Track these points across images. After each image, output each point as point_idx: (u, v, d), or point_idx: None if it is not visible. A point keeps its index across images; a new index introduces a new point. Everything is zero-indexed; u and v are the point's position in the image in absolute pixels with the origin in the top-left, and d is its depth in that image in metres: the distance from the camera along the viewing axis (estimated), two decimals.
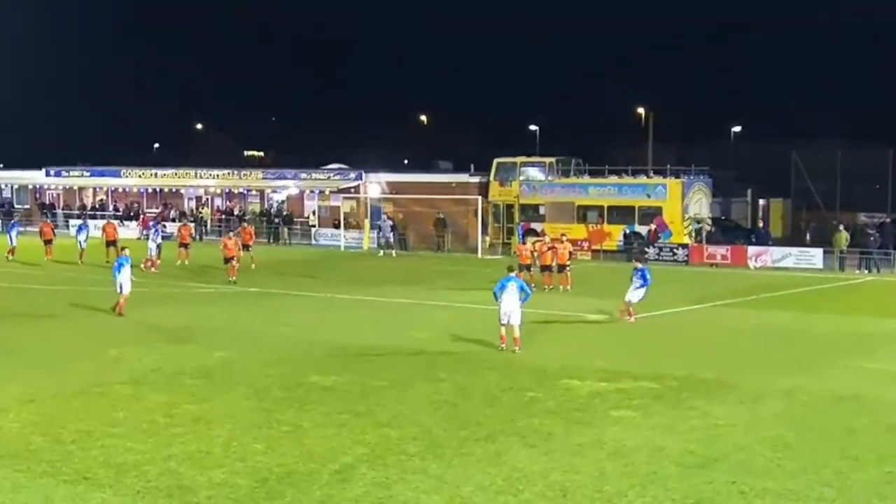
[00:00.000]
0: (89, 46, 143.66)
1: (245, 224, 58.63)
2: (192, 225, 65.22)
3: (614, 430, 19.43)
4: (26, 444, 18.25)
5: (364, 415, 20.42)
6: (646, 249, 57.33)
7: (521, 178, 65.57)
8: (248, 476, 16.50)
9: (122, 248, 35.83)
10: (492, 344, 28.20)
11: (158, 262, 49.82)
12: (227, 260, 44.73)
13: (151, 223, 60.79)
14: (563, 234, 46.79)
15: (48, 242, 56.12)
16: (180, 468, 16.84)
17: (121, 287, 34.01)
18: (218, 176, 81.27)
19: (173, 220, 77.54)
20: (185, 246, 52.65)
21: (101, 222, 64.80)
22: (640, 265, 34.32)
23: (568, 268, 42.63)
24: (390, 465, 17.08)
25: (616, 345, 29.77)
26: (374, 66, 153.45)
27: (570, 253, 43.24)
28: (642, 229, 60.12)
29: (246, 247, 50.70)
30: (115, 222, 61.25)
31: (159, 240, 51.55)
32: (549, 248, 42.42)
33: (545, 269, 42.38)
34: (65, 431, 19.03)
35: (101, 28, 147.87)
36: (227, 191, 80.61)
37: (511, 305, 27.47)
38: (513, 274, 29.01)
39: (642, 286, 33.23)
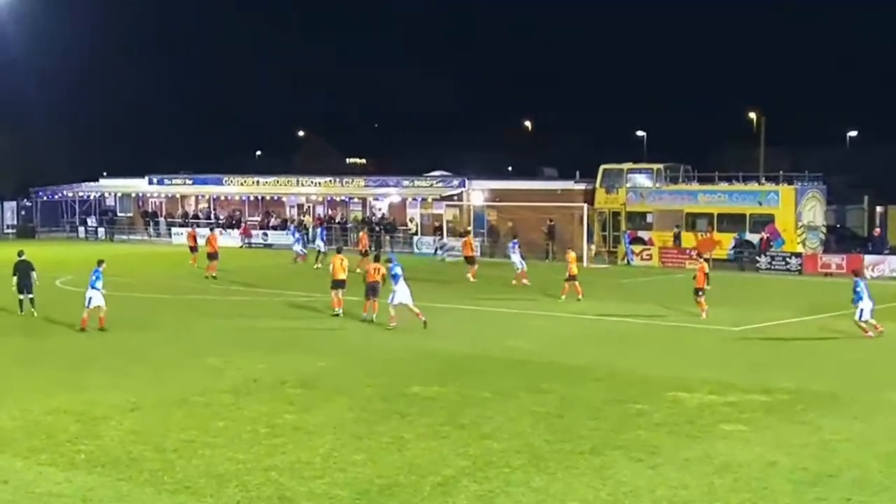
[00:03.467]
0: (192, 52, 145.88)
1: (362, 231, 62.05)
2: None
3: (723, 444, 19.24)
4: (128, 452, 18.58)
5: (466, 426, 20.46)
6: (757, 258, 56.71)
7: (628, 184, 65.16)
8: (348, 487, 16.61)
9: (100, 261, 35.09)
10: (597, 354, 28.06)
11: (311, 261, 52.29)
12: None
13: (320, 228, 66.79)
14: (700, 255, 44.65)
15: (193, 250, 58.16)
16: (281, 478, 17.02)
17: (89, 301, 33.59)
18: (320, 184, 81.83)
19: (275, 229, 78.43)
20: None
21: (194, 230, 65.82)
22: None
23: (701, 293, 37.51)
24: (493, 478, 17.08)
25: (726, 356, 29.44)
26: (477, 70, 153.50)
27: (707, 275, 37.96)
28: (753, 237, 59.40)
29: (363, 253, 53.63)
30: (217, 231, 62.19)
31: (321, 243, 57.44)
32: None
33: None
34: (166, 440, 19.35)
35: (203, 33, 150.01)
36: (329, 199, 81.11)
37: None
38: None
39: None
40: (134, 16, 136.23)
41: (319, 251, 58.02)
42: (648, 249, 60.95)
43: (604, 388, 24.35)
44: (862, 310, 32.15)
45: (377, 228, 73.85)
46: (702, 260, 40.28)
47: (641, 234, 63.25)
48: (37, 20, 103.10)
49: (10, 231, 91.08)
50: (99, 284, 33.57)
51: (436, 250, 66.21)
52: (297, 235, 64.54)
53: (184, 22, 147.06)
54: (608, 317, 37.32)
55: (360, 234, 59.69)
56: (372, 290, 35.75)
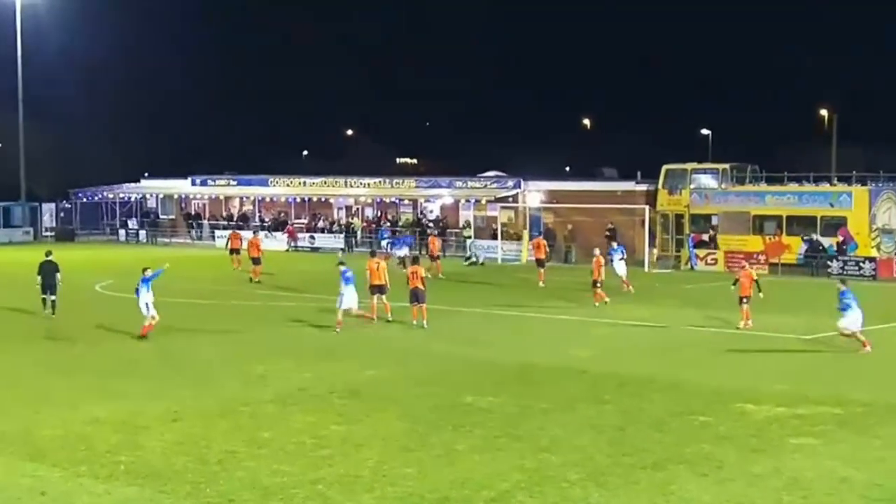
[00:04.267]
0: (235, 50, 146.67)
1: (431, 233, 64.07)
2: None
3: (793, 458, 19.08)
4: (170, 464, 18.68)
5: (522, 438, 20.41)
6: (829, 263, 56.31)
7: (692, 185, 64.86)
8: (398, 502, 16.61)
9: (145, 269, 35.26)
10: (660, 364, 27.93)
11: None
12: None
13: (386, 231, 68.31)
14: (744, 263, 43.91)
15: (235, 252, 58.71)
16: (328, 492, 17.05)
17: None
18: (369, 185, 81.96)
19: (321, 232, 78.77)
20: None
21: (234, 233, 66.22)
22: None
23: (746, 301, 36.59)
24: (549, 493, 17.03)
25: (795, 366, 29.21)
26: (532, 67, 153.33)
27: (755, 281, 36.75)
28: (825, 241, 58.93)
29: (434, 258, 55.28)
30: (261, 235, 62.51)
31: (406, 250, 57.14)
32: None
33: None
34: (209, 451, 19.43)
35: (248, 31, 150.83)
36: (378, 200, 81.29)
37: None
38: None
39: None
40: (177, 13, 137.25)
41: (403, 257, 55.18)
42: (714, 253, 60.64)
43: (667, 399, 24.22)
44: (850, 319, 31.38)
45: (428, 231, 73.95)
46: (748, 266, 39.65)
47: (706, 237, 62.91)
48: (77, 18, 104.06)
49: (48, 234, 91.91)
50: (145, 291, 33.78)
51: (467, 257, 65.49)
52: (386, 236, 64.81)
53: (229, 19, 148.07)
54: (671, 325, 37.16)
55: (430, 237, 59.64)
56: (415, 296, 35.85)
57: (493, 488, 17.21)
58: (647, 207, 64.08)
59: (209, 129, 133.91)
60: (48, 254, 39.60)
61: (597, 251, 44.35)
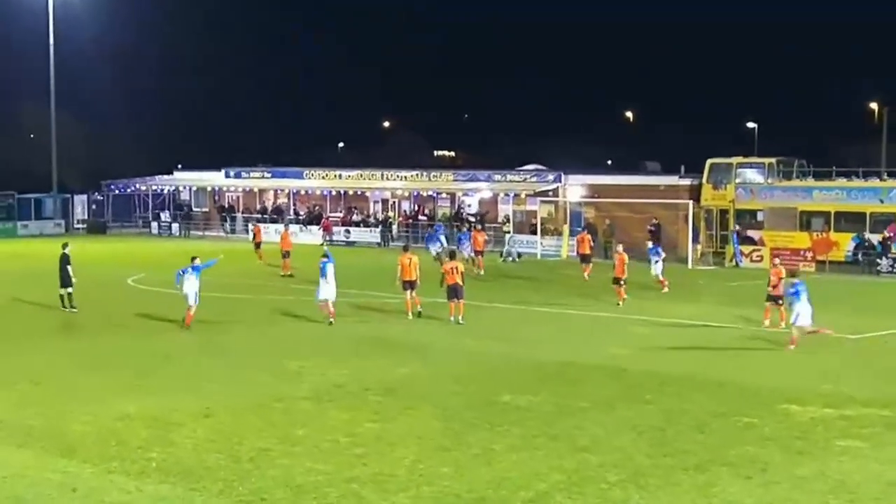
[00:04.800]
0: (269, 40, 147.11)
1: (476, 227, 63.56)
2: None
3: (839, 461, 19.01)
4: (201, 461, 18.78)
5: (561, 438, 20.41)
6: (878, 260, 55.97)
7: (738, 180, 64.61)
8: (434, 501, 16.66)
9: (193, 258, 35.86)
10: (702, 363, 27.83)
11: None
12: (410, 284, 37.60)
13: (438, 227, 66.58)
14: (774, 259, 41.12)
15: (259, 245, 59.87)
16: (363, 491, 17.10)
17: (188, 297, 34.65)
18: (406, 178, 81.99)
19: (357, 226, 78.86)
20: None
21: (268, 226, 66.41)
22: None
23: (781, 301, 35.63)
24: (589, 494, 17.03)
25: (842, 366, 29.05)
26: (573, 57, 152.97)
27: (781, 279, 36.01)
28: (874, 238, 58.57)
29: (478, 253, 55.30)
30: (292, 228, 62.77)
31: (439, 245, 56.96)
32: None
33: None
34: (241, 448, 19.53)
35: (281, 21, 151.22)
36: (415, 193, 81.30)
37: None
38: None
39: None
40: (211, 3, 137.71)
41: (438, 253, 54.58)
42: (759, 250, 60.35)
43: (709, 399, 24.16)
44: (799, 314, 31.24)
45: (466, 226, 73.92)
46: (778, 263, 38.28)
47: (751, 233, 62.65)
48: (110, 9, 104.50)
49: (80, 226, 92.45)
50: (194, 279, 34.52)
51: (504, 253, 64.98)
52: (442, 231, 64.68)
53: (261, 10, 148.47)
54: (715, 323, 37.04)
55: (473, 232, 59.14)
56: (454, 292, 35.96)
57: (530, 489, 17.23)
58: (690, 202, 63.83)
59: (243, 121, 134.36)
60: (64, 246, 39.72)
61: (620, 247, 44.26)
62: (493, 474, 18.01)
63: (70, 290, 38.43)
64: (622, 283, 42.01)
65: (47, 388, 25.12)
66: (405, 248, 40.18)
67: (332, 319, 35.13)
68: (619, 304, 41.13)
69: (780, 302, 34.90)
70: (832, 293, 44.13)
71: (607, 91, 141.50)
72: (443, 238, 61.01)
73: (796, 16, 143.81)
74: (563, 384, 25.84)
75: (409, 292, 37.17)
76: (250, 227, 73.27)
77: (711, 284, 50.98)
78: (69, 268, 38.52)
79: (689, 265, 59.39)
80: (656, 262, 47.05)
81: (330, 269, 35.73)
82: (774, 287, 35.43)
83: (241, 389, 24.99)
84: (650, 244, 51.02)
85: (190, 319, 34.11)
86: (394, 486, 17.38)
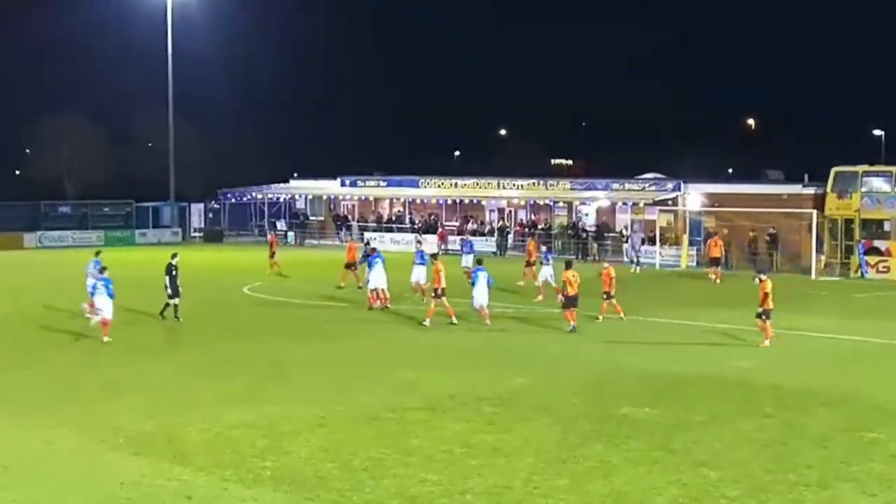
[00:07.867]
0: (384, 50, 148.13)
1: (530, 239, 62.50)
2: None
3: None
4: (315, 470, 18.94)
5: (679, 452, 20.26)
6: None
7: (863, 189, 63.53)
8: None
9: (373, 248, 37.22)
10: (826, 377, 27.40)
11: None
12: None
13: (468, 242, 64.26)
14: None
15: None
16: (477, 503, 17.10)
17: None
18: (522, 186, 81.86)
19: (473, 235, 78.92)
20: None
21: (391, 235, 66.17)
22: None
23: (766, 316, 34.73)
24: None
25: None
26: (693, 63, 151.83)
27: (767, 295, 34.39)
28: None
29: (529, 263, 53.20)
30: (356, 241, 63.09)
31: (471, 258, 52.92)
32: None
33: None
34: (356, 458, 19.65)
35: (398, 31, 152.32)
36: (531, 202, 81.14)
37: None
38: None
39: None
40: (327, 12, 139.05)
41: (467, 267, 52.49)
42: (885, 261, 59.34)
43: (833, 414, 23.82)
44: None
45: (583, 235, 73.63)
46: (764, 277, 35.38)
47: (878, 243, 61.59)
48: (228, 18, 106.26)
49: (196, 234, 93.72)
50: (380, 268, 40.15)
51: (634, 260, 64.31)
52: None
53: (375, 18, 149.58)
54: (839, 335, 36.50)
55: (529, 241, 57.84)
56: (571, 302, 36.03)
57: (648, 503, 17.10)
58: (814, 212, 62.96)
59: (359, 130, 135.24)
60: (173, 256, 39.50)
61: (605, 263, 43.11)
62: (610, 488, 17.92)
63: (177, 300, 38.42)
64: (611, 297, 39.86)
65: (162, 397, 25.51)
66: (567, 265, 38.52)
67: (377, 306, 40.30)
68: (598, 319, 39.39)
69: (768, 316, 34.17)
70: None
71: (729, 98, 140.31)
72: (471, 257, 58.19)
73: None
74: (681, 396, 25.65)
75: (568, 310, 36.66)
76: (366, 236, 73.52)
77: (836, 296, 50.21)
78: (167, 278, 38.39)
79: (813, 276, 58.58)
80: (545, 265, 47.58)
81: (380, 262, 40.68)
82: (763, 301, 34.33)
83: (355, 399, 25.14)
84: (543, 249, 50.80)
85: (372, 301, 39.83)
86: (509, 498, 17.36)
